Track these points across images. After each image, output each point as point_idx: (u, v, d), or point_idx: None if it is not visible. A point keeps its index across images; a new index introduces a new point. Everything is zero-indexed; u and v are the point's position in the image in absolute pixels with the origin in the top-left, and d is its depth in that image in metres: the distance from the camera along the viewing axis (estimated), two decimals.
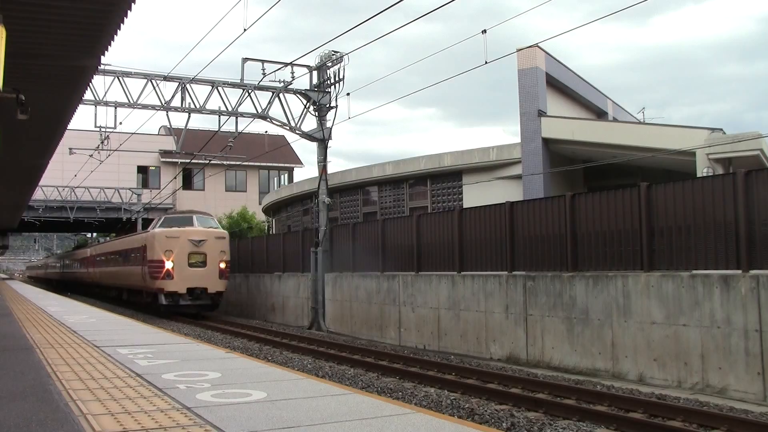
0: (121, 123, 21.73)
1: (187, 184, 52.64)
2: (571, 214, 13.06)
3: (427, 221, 17.41)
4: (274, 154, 48.63)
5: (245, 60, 21.72)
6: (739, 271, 10.16)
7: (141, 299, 28.24)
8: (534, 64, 22.17)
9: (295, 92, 22.70)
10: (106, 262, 35.86)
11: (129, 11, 7.79)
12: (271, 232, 43.23)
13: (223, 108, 22.06)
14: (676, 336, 10.74)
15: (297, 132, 22.83)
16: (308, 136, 22.93)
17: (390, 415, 5.09)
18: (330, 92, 22.51)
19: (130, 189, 47.51)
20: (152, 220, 30.03)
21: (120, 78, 20.63)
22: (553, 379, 11.39)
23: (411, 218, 18.24)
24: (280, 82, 22.20)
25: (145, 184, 52.30)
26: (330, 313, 21.15)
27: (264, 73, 21.46)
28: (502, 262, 14.63)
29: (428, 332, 16.25)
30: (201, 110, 21.71)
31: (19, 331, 11.97)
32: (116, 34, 8.54)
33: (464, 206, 22.71)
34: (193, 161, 40.05)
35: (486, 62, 16.23)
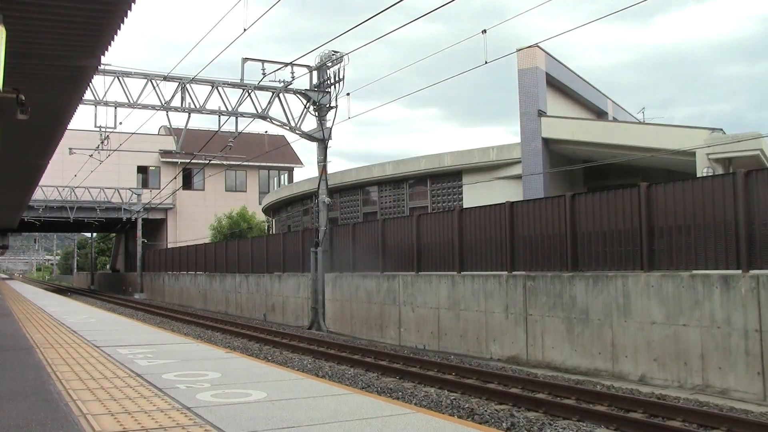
0: (121, 123, 21.72)
1: (187, 184, 52.65)
2: (571, 214, 13.06)
3: (427, 221, 17.40)
4: (274, 154, 48.64)
5: (245, 60, 21.71)
6: (739, 271, 10.16)
7: None
8: (534, 64, 22.16)
9: (295, 92, 22.68)
10: None
11: (129, 11, 7.78)
12: (271, 232, 43.23)
13: (223, 108, 22.05)
14: (676, 336, 10.74)
15: (297, 132, 22.82)
16: (308, 136, 22.92)
17: (390, 415, 5.09)
18: (330, 92, 22.49)
19: (130, 189, 47.54)
20: None
21: (120, 78, 20.63)
22: (553, 379, 11.39)
23: (411, 218, 18.23)
24: (280, 82, 22.19)
25: (145, 184, 52.33)
26: (330, 313, 21.14)
27: (264, 73, 21.46)
28: (502, 262, 14.62)
29: (428, 332, 16.25)
30: (201, 110, 21.70)
31: (20, 331, 11.97)
32: (116, 34, 8.53)
33: (464, 206, 22.71)
34: (193, 161, 40.06)
35: (486, 62, 16.23)
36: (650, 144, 19.36)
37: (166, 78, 21.19)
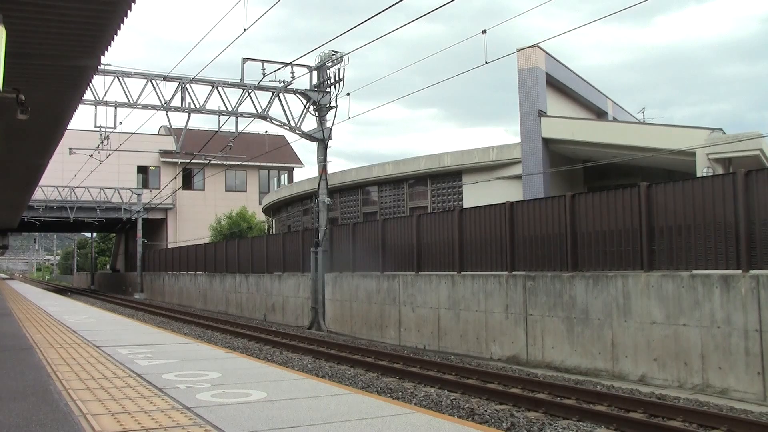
0: (121, 123, 21.73)
1: (187, 184, 52.66)
2: (571, 214, 13.06)
3: (427, 221, 17.40)
4: (274, 154, 48.65)
5: (245, 60, 21.71)
6: (739, 271, 10.16)
7: None
8: (534, 64, 22.16)
9: (295, 92, 22.68)
10: None
11: (129, 11, 7.78)
12: (271, 232, 43.24)
13: (223, 108, 22.05)
14: (676, 336, 10.74)
15: (297, 132, 22.82)
16: (308, 136, 22.91)
17: (390, 415, 5.09)
18: (330, 92, 22.49)
19: (130, 189, 47.55)
20: None
21: (120, 78, 20.62)
22: (553, 379, 11.39)
23: (411, 218, 18.23)
24: (280, 82, 22.19)
25: (145, 184, 52.33)
26: (330, 313, 21.15)
27: (264, 73, 21.46)
28: (502, 262, 14.62)
29: (428, 332, 16.25)
30: (201, 110, 21.70)
31: (20, 330, 11.97)
32: (116, 34, 8.52)
33: (464, 206, 22.71)
34: (193, 161, 40.06)
35: (486, 62, 16.24)
36: (650, 144, 19.35)
37: (166, 78, 21.19)
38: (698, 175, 17.01)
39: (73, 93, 11.27)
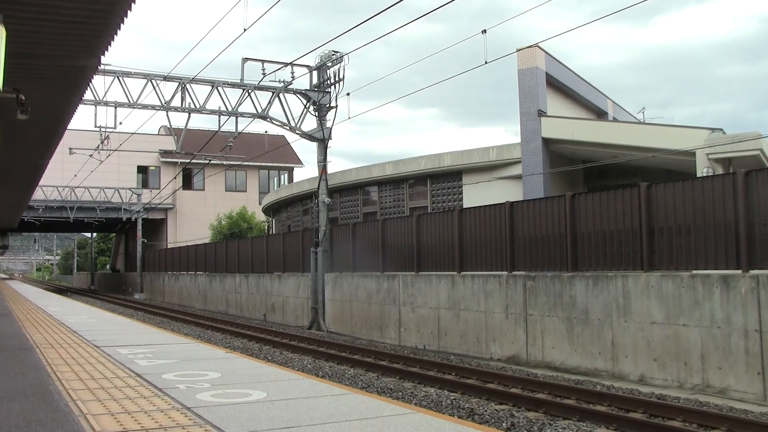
0: (121, 123, 21.72)
1: (187, 184, 52.67)
2: (571, 214, 13.06)
3: (427, 221, 17.40)
4: (274, 154, 48.66)
5: (245, 60, 21.71)
6: (739, 271, 10.16)
7: None
8: (534, 64, 22.16)
9: (295, 92, 22.68)
10: None
11: (129, 11, 7.78)
12: (271, 232, 43.23)
13: (223, 108, 22.05)
14: (676, 336, 10.74)
15: (297, 132, 22.82)
16: (308, 136, 22.91)
17: (390, 415, 5.09)
18: (330, 92, 22.49)
19: (130, 189, 47.57)
20: None
21: (120, 78, 20.62)
22: (553, 379, 11.39)
23: (411, 218, 18.23)
24: (280, 82, 22.19)
25: (145, 184, 52.35)
26: (330, 313, 21.15)
27: (264, 73, 21.45)
28: (502, 262, 14.62)
29: (428, 332, 16.25)
30: (201, 110, 21.70)
31: (20, 330, 11.97)
32: (116, 34, 8.53)
33: (464, 206, 22.71)
34: (193, 161, 40.07)
35: (486, 62, 16.24)
36: (650, 144, 19.36)
37: (166, 78, 21.18)
38: (698, 175, 17.01)
39: (73, 93, 11.27)
